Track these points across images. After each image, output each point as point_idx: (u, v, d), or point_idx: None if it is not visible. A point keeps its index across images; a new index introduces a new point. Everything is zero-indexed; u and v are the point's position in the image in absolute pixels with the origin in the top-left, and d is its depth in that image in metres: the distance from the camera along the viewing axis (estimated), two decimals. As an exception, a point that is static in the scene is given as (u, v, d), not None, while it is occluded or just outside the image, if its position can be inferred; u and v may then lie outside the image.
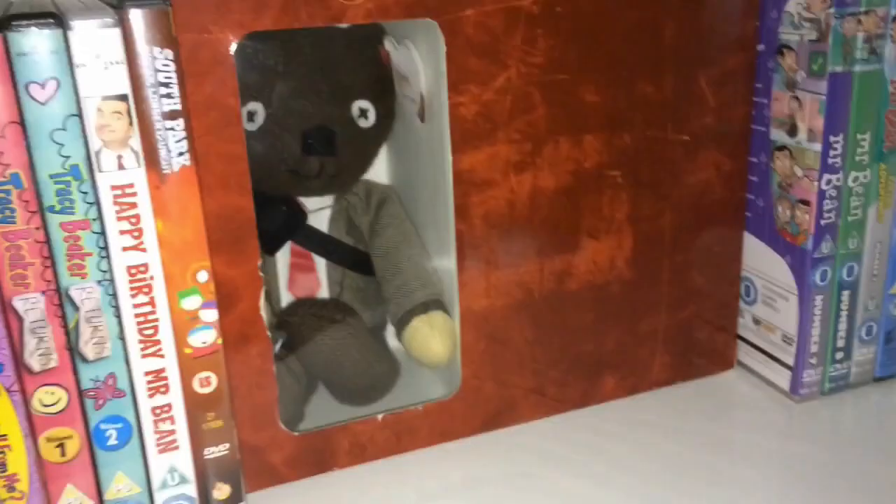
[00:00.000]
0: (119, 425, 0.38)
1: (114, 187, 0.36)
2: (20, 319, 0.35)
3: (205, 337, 0.38)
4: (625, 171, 0.48)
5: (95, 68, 0.34)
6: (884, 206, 0.50)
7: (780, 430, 0.49)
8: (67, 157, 0.35)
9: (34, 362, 0.36)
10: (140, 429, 0.38)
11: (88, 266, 0.36)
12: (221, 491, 0.41)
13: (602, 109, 0.47)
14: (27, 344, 0.36)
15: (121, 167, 0.36)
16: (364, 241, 0.51)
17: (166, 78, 0.36)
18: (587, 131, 0.47)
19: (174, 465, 0.39)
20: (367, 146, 0.49)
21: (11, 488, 0.37)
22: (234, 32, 0.39)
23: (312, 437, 0.45)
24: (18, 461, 0.37)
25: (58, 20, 0.33)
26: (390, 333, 0.53)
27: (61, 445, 0.37)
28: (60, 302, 0.36)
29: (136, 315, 0.37)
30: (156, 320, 0.37)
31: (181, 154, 0.37)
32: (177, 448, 0.39)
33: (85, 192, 0.35)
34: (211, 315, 0.38)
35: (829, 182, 0.48)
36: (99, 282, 0.36)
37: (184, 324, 0.38)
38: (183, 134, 0.37)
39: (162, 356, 0.38)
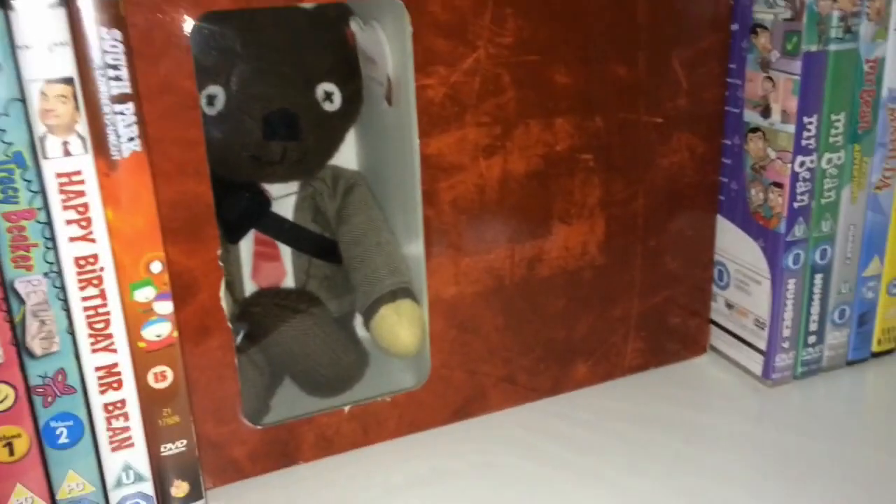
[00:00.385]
0: (70, 423, 0.36)
1: (59, 175, 0.34)
2: (-37, 314, 0.34)
3: (159, 330, 0.37)
4: (597, 154, 0.47)
5: (39, 50, 0.33)
6: (857, 187, 0.49)
7: (753, 415, 0.48)
8: (10, 143, 0.33)
9: (-21, 359, 0.34)
10: (92, 426, 0.37)
11: (34, 258, 0.34)
12: (179, 488, 0.39)
13: (573, 91, 0.46)
14: (-29, 340, 0.34)
15: (67, 154, 0.34)
16: (331, 229, 0.50)
17: (115, 60, 0.34)
18: (558, 114, 0.46)
19: (129, 462, 0.38)
20: (333, 130, 0.48)
21: (-41, 489, 0.36)
22: (190, 12, 0.37)
23: (276, 430, 0.44)
24: (-35, 461, 0.35)
25: (-2, -1, 0.32)
26: (359, 323, 0.52)
27: (9, 444, 0.36)
28: (5, 295, 0.34)
29: (86, 308, 0.35)
30: (107, 313, 0.36)
31: (131, 139, 0.35)
32: (132, 445, 0.37)
33: (29, 181, 0.34)
34: (165, 307, 0.37)
35: (802, 164, 0.47)
36: (45, 274, 0.35)
37: (137, 317, 0.36)
38: (133, 118, 0.35)
39: (114, 351, 0.36)
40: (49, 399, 0.36)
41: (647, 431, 0.47)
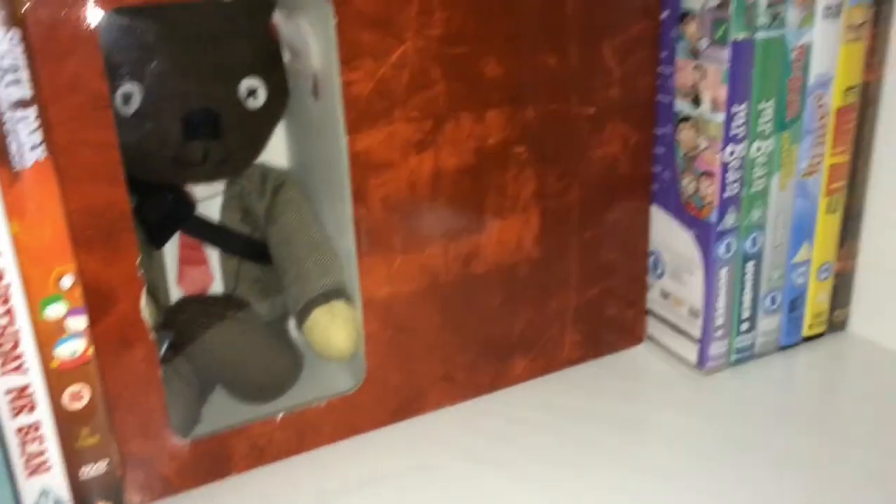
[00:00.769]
0: (-20, 450, 0.34)
1: (-44, 187, 0.32)
2: None
3: (73, 347, 0.35)
4: (530, 146, 0.47)
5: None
6: (786, 175, 0.50)
7: (688, 404, 0.49)
8: None
9: None
10: (5, 451, 0.35)
11: (-69, 276, 0.32)
12: (103, 510, 0.38)
13: (504, 83, 0.45)
14: None
15: (-37, 164, 0.32)
16: (260, 229, 0.48)
17: (13, 61, 0.32)
18: (489, 106, 0.45)
19: (47, 487, 0.36)
20: (258, 128, 0.46)
21: None
22: (100, 5, 0.35)
23: (206, 442, 0.42)
24: None
25: None
26: (293, 325, 0.51)
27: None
28: None
29: (-8, 328, 0.33)
30: (16, 333, 0.33)
31: (35, 147, 0.33)
32: (48, 469, 0.36)
33: (-79, 194, 0.31)
34: (78, 323, 0.35)
35: (732, 153, 0.47)
36: (-55, 293, 0.32)
37: (48, 335, 0.34)
38: (36, 124, 0.33)
39: (25, 372, 0.34)
40: (-44, 426, 0.34)
41: (582, 426, 0.47)
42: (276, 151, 0.52)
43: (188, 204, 0.45)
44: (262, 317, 0.47)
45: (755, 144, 0.48)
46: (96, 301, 0.37)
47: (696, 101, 0.48)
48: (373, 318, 0.45)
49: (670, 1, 0.48)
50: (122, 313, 0.38)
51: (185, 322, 0.44)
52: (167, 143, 0.42)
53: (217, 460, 0.43)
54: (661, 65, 0.50)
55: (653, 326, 0.55)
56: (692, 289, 0.51)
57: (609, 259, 0.52)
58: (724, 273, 0.50)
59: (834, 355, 0.53)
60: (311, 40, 0.44)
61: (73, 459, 0.36)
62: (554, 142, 0.47)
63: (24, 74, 0.32)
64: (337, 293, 0.46)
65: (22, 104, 0.32)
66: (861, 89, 0.50)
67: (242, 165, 0.46)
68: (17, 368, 0.34)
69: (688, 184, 0.50)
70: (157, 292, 0.45)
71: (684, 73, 0.48)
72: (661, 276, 0.54)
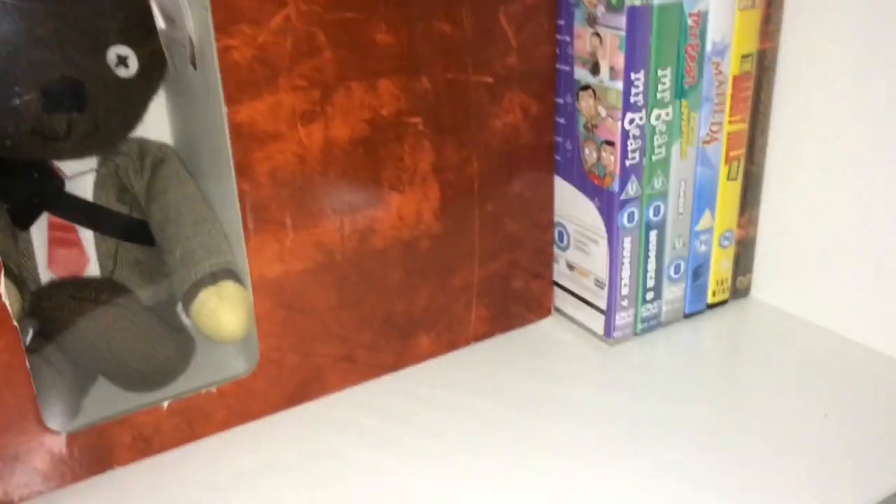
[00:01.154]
0: None
1: None
2: None
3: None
4: (426, 117, 0.45)
5: None
6: (686, 143, 0.49)
7: (595, 376, 0.48)
8: None
9: None
10: None
11: None
12: (-37, 514, 0.35)
13: (396, 51, 0.43)
14: None
15: None
16: (140, 208, 0.45)
17: None
18: (381, 75, 0.43)
19: None
20: (130, 99, 0.43)
21: None
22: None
23: (85, 434, 0.40)
24: None
25: None
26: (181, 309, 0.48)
27: None
28: None
29: None
30: None
31: None
32: None
33: None
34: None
35: (631, 121, 0.47)
36: None
37: None
38: None
39: None
40: None
41: (490, 402, 0.46)
42: (158, 125, 0.49)
43: (56, 181, 0.42)
44: (145, 301, 0.44)
45: (655, 112, 0.47)
46: (-51, 288, 0.34)
47: (595, 70, 0.47)
48: (264, 298, 0.43)
49: (568, -33, 0.47)
50: (-20, 300, 0.35)
51: (51, 308, 0.41)
52: (26, 116, 0.38)
53: (98, 453, 0.40)
54: (560, 33, 0.49)
55: (560, 298, 0.54)
56: (597, 259, 0.50)
57: (513, 231, 0.51)
58: (627, 242, 0.49)
59: (738, 322, 0.54)
60: (185, 5, 0.41)
61: (-78, 460, 0.33)
62: (451, 112, 0.46)
63: None
64: (226, 273, 0.43)
65: None
66: (757, 57, 0.50)
67: (114, 139, 0.43)
68: None
69: (590, 153, 0.49)
70: (22, 277, 0.42)
71: (582, 41, 0.47)
72: (566, 247, 0.53)
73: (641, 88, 0.46)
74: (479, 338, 0.52)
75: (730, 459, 0.40)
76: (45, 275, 0.43)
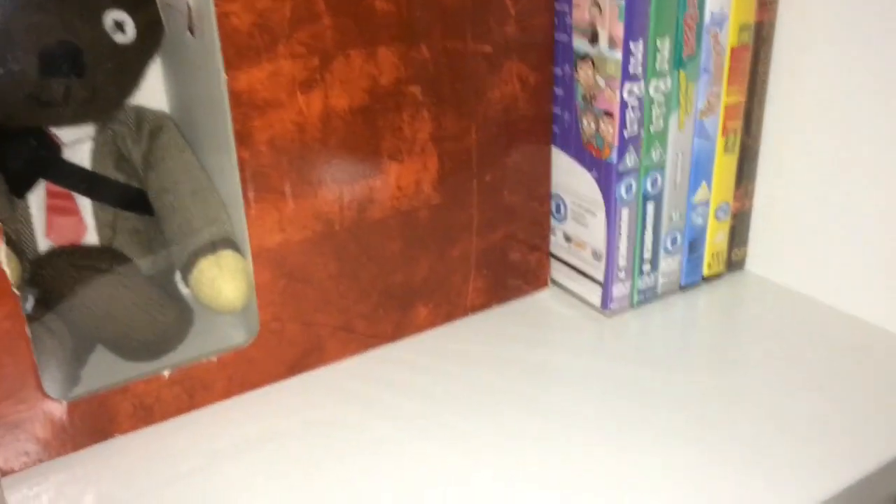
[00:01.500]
0: None
1: None
2: None
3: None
4: (425, 86, 0.45)
5: None
6: (684, 114, 0.50)
7: (592, 347, 0.48)
8: None
9: None
10: None
11: None
12: (-35, 479, 0.35)
13: (395, 18, 0.43)
14: None
15: None
16: (138, 176, 0.45)
17: None
18: (380, 43, 0.43)
19: None
20: (127, 65, 0.42)
21: None
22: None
23: (87, 402, 0.40)
24: None
25: None
26: (180, 278, 0.48)
27: None
28: None
29: None
30: None
31: None
32: None
33: None
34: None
35: (630, 91, 0.47)
36: None
37: None
38: None
39: None
40: None
41: (488, 373, 0.46)
42: (155, 93, 0.49)
43: (53, 149, 0.42)
44: (144, 270, 0.44)
45: (653, 83, 0.47)
46: (-52, 254, 0.34)
47: (594, 39, 0.47)
48: (264, 267, 0.43)
49: (567, -63, 0.47)
50: (-21, 267, 0.35)
51: (51, 276, 0.41)
52: (24, 81, 0.38)
53: (99, 421, 0.40)
54: (559, 2, 0.48)
55: (557, 270, 0.55)
56: (594, 231, 0.51)
57: (511, 203, 0.51)
58: (625, 214, 0.49)
59: (733, 294, 0.54)
60: (184, -30, 0.41)
61: (-76, 425, 0.33)
62: (450, 82, 0.46)
63: None
64: (225, 242, 0.43)
65: None
66: (755, 29, 0.50)
67: (111, 106, 0.43)
68: None
69: (588, 124, 0.49)
70: (20, 245, 0.42)
71: (582, 10, 0.47)
72: (563, 219, 0.53)
73: (640, 58, 0.46)
74: (476, 309, 0.52)
75: (724, 428, 0.41)
76: (42, 243, 0.43)
